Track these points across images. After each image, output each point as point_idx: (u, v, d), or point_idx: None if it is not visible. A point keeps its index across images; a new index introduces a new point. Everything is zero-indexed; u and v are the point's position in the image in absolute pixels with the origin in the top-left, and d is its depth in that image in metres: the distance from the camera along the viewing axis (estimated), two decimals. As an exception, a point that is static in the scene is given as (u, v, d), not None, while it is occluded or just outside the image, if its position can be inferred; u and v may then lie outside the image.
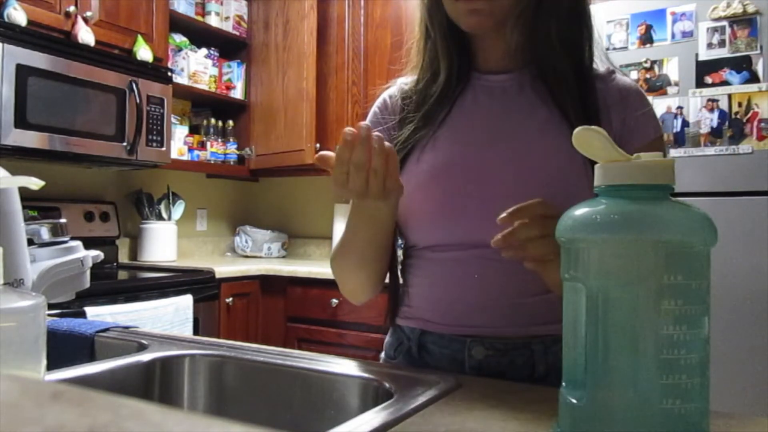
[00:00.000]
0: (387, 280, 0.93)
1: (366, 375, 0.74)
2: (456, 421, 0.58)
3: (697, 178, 1.95)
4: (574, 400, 0.49)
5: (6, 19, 2.03)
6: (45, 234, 0.84)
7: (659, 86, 2.03)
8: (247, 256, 3.22)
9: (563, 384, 0.51)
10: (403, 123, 0.91)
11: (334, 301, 2.51)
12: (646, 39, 2.05)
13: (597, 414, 0.47)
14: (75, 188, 2.64)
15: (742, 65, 1.91)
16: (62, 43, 2.19)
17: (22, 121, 2.04)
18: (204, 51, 2.99)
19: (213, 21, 3.02)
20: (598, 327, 0.47)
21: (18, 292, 0.57)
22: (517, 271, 0.70)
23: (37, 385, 0.27)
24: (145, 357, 0.81)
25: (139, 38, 2.50)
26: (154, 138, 2.48)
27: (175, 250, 2.87)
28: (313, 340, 2.58)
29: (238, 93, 3.12)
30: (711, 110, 1.95)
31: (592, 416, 0.47)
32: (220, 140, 3.08)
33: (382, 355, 0.95)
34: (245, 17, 3.15)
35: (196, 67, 2.92)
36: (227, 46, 3.13)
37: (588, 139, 0.50)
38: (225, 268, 2.57)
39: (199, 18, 2.98)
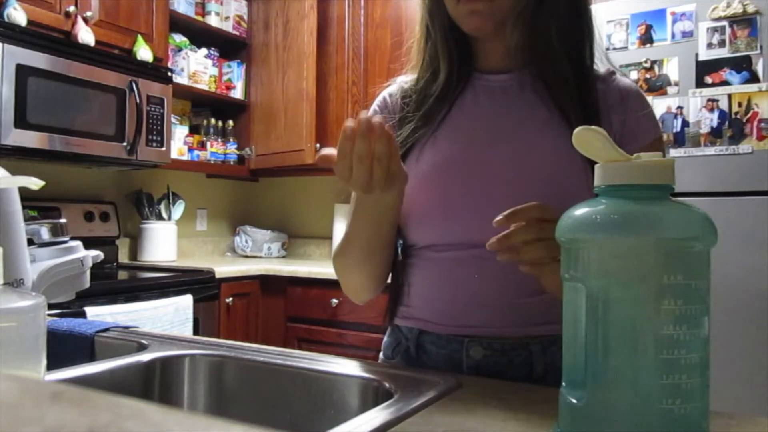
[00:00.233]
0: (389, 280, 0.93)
1: (366, 375, 0.74)
2: (456, 421, 0.58)
3: (697, 178, 1.95)
4: (574, 400, 0.49)
5: (6, 19, 2.03)
6: (45, 234, 0.84)
7: (659, 86, 2.03)
8: (247, 256, 3.22)
9: (563, 384, 0.51)
10: (402, 122, 0.91)
11: (334, 301, 2.51)
12: (646, 39, 2.05)
13: (597, 414, 0.47)
14: (75, 188, 2.64)
15: (742, 65, 1.91)
16: (62, 43, 2.19)
17: (22, 121, 2.04)
18: (204, 51, 2.99)
19: (213, 21, 3.02)
20: (598, 327, 0.47)
21: (18, 292, 0.57)
22: (515, 271, 0.70)
23: (37, 385, 0.27)
24: (145, 357, 0.81)
25: (139, 38, 2.50)
26: (154, 138, 2.48)
27: (175, 250, 2.87)
28: (313, 340, 2.58)
29: (238, 93, 3.12)
30: (711, 110, 1.95)
31: (592, 416, 0.47)
32: (220, 140, 3.08)
33: (381, 355, 0.95)
34: (245, 17, 3.15)
35: (196, 67, 2.92)
36: (227, 46, 3.13)
37: (588, 139, 0.50)
38: (225, 268, 2.57)
39: (199, 18, 2.98)
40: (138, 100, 2.39)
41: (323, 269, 2.58)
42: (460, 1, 0.82)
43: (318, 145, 2.79)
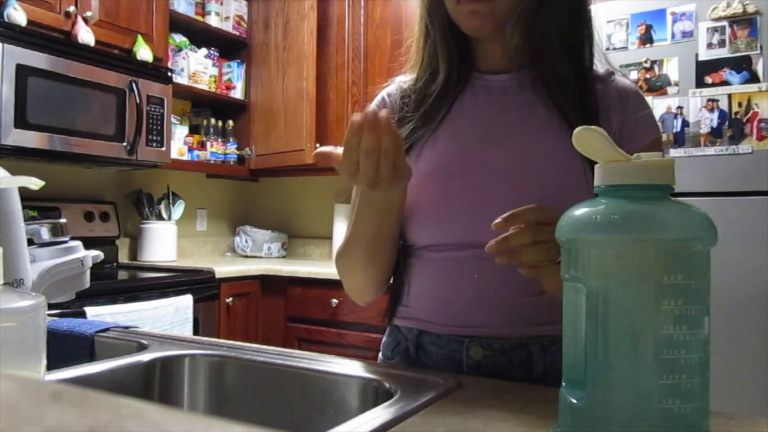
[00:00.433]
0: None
1: (366, 375, 0.74)
2: (456, 421, 0.58)
3: (697, 178, 1.95)
4: (574, 400, 0.49)
5: (6, 19, 2.03)
6: (45, 234, 0.84)
7: (659, 86, 2.03)
8: (247, 256, 3.22)
9: (563, 384, 0.51)
10: (402, 122, 0.91)
11: (334, 301, 2.51)
12: (646, 39, 2.05)
13: (597, 414, 0.47)
14: (75, 188, 2.64)
15: (742, 65, 1.91)
16: (62, 43, 2.19)
17: (22, 121, 2.04)
18: (204, 51, 2.99)
19: (213, 21, 3.02)
20: (598, 327, 0.47)
21: (18, 292, 0.57)
22: (515, 271, 0.70)
23: (37, 385, 0.27)
24: (145, 357, 0.81)
25: (139, 38, 2.50)
26: (154, 138, 2.48)
27: (175, 250, 2.87)
28: (313, 340, 2.58)
29: (238, 93, 3.12)
30: (711, 110, 1.95)
31: (592, 416, 0.47)
32: (220, 140, 3.08)
33: (380, 355, 0.95)
34: (245, 17, 3.15)
35: (196, 67, 2.92)
36: (227, 46, 3.13)
37: (588, 139, 0.50)
38: (225, 268, 2.57)
39: (199, 18, 2.98)
40: (138, 100, 2.39)
41: (323, 269, 2.58)
42: (460, 1, 0.82)
43: (318, 145, 2.79)
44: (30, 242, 0.78)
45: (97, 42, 2.30)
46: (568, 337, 0.51)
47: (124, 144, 2.37)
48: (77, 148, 2.21)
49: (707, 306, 0.46)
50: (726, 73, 1.93)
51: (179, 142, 2.89)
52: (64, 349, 0.90)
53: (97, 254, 0.91)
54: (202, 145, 3.04)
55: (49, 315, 0.85)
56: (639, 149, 0.53)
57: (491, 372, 0.81)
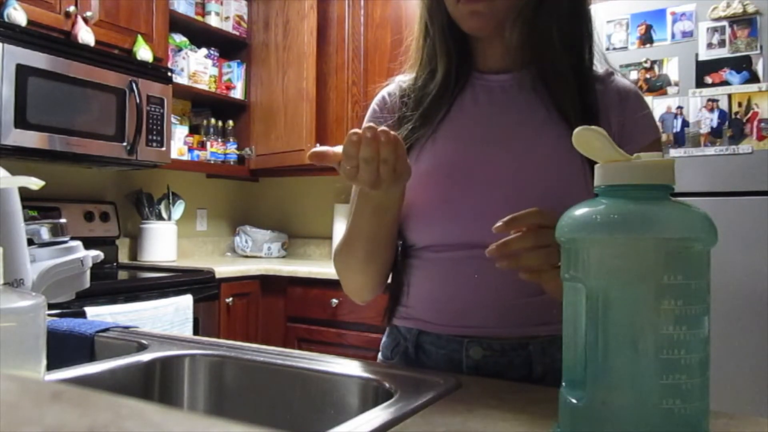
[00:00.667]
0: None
1: (366, 375, 0.74)
2: (456, 421, 0.58)
3: (697, 178, 1.95)
4: (574, 400, 0.49)
5: (6, 19, 2.03)
6: (45, 234, 0.84)
7: (659, 86, 2.03)
8: (247, 256, 3.22)
9: (563, 384, 0.51)
10: (401, 122, 0.91)
11: (334, 301, 2.51)
12: (646, 39, 2.05)
13: (597, 414, 0.47)
14: (75, 188, 2.64)
15: (742, 65, 1.91)
16: (62, 43, 2.19)
17: (22, 121, 2.04)
18: (204, 51, 2.99)
19: (213, 21, 3.02)
20: (598, 327, 0.47)
21: (18, 292, 0.57)
22: (515, 272, 0.70)
23: (37, 385, 0.27)
24: (145, 357, 0.81)
25: (139, 38, 2.50)
26: (154, 138, 2.48)
27: (175, 250, 2.87)
28: (313, 340, 2.58)
29: (238, 93, 3.12)
30: (711, 110, 1.95)
31: (592, 416, 0.47)
32: (220, 140, 3.08)
33: (380, 355, 0.95)
34: (245, 17, 3.15)
35: (196, 67, 2.92)
36: (227, 46, 3.13)
37: (588, 139, 0.50)
38: (225, 268, 2.57)
39: (199, 18, 2.98)
40: (138, 100, 2.39)
41: (323, 269, 2.58)
42: (460, 0, 0.82)
43: (318, 144, 2.79)
44: (30, 242, 0.78)
45: (97, 42, 2.30)
46: (568, 337, 0.51)
47: (124, 144, 2.37)
48: (77, 148, 2.21)
49: (707, 306, 0.46)
50: (726, 73, 1.93)
51: (179, 142, 2.89)
52: (64, 349, 0.90)
53: (97, 254, 0.91)
54: (202, 145, 3.04)
55: (49, 315, 0.85)
56: (639, 150, 0.53)
57: (491, 372, 0.81)
